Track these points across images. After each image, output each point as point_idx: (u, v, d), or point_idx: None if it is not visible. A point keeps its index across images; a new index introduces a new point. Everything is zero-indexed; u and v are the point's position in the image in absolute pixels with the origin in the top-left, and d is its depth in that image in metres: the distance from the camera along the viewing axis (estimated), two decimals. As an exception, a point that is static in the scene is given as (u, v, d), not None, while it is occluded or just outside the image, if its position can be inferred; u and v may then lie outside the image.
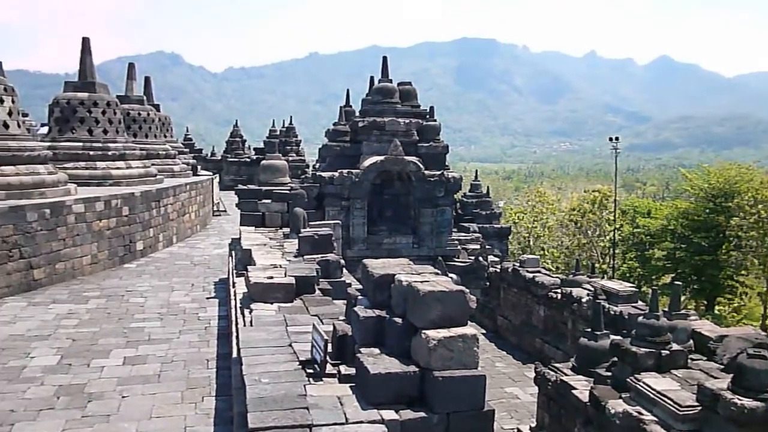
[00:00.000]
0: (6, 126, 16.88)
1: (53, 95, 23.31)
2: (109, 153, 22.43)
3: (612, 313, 12.17)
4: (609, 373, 8.46)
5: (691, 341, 9.00)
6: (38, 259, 15.69)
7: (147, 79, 34.17)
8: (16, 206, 15.12)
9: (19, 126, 17.48)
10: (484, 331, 17.71)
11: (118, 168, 22.35)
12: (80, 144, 22.01)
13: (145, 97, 30.72)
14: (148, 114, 29.24)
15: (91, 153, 21.98)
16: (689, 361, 8.08)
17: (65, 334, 12.21)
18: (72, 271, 16.88)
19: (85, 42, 22.83)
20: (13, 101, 17.29)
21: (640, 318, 8.37)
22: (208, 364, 10.74)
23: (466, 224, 25.10)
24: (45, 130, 26.59)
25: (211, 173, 36.83)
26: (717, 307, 31.09)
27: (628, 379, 7.60)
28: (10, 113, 17.06)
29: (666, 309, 9.81)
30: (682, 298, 26.10)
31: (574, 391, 8.53)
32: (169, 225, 22.78)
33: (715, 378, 7.22)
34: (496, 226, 26.42)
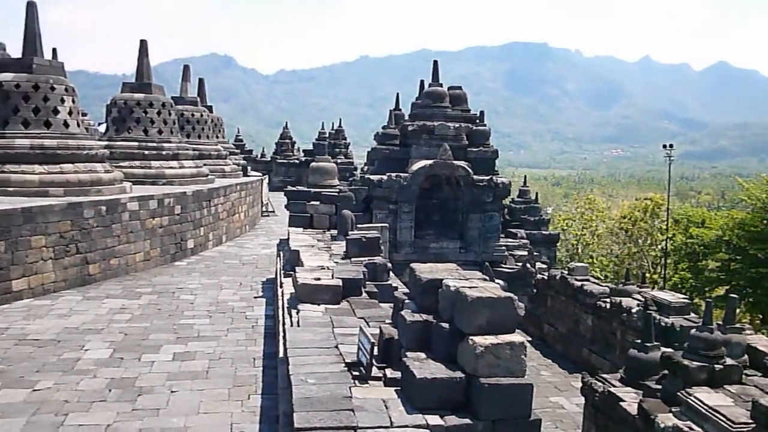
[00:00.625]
0: (66, 125, 17.42)
1: (111, 95, 23.97)
2: (163, 153, 22.94)
3: (663, 324, 11.90)
4: (659, 386, 8.29)
5: (746, 356, 8.76)
6: (93, 254, 16.14)
7: (201, 81, 34.86)
8: (74, 203, 15.61)
9: (78, 125, 18.03)
10: (529, 339, 17.50)
11: (171, 167, 22.83)
12: (136, 143, 22.57)
13: (198, 99, 31.34)
14: (201, 115, 29.81)
15: (146, 152, 22.52)
16: (744, 376, 7.88)
17: (118, 328, 12.53)
18: (125, 267, 17.32)
19: (143, 44, 23.41)
20: (73, 101, 17.84)
21: (693, 331, 8.19)
22: (255, 363, 10.88)
23: (513, 230, 24.88)
24: (102, 128, 27.37)
25: (260, 174, 37.33)
26: (773, 322, 30.07)
27: (678, 393, 7.44)
28: (70, 113, 17.61)
29: (720, 322, 9.55)
30: (737, 311, 25.34)
31: (622, 403, 8.39)
32: (219, 224, 23.18)
33: (771, 395, 7.01)
34: (544, 232, 26.13)
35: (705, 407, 6.95)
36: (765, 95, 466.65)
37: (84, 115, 28.65)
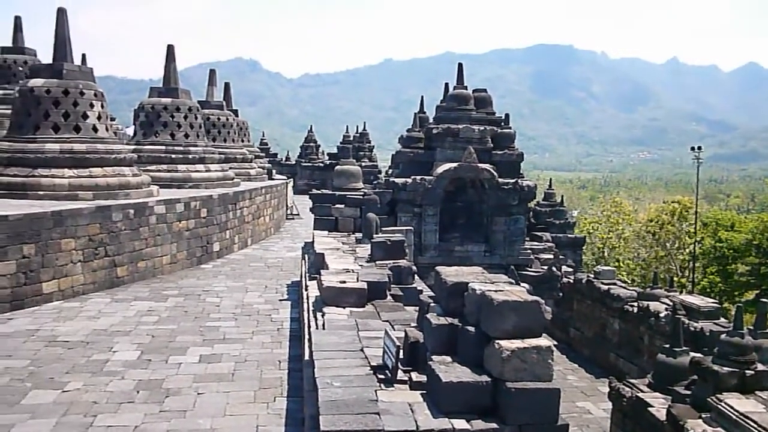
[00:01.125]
0: (95, 130, 17.68)
1: (139, 100, 24.28)
2: (190, 156, 23.18)
3: (692, 329, 11.76)
4: (688, 392, 8.19)
5: (778, 362, 8.60)
6: (122, 257, 16.34)
7: (227, 85, 35.14)
8: (102, 206, 15.82)
9: (107, 130, 18.29)
10: (556, 343, 17.37)
11: (197, 171, 23.06)
12: (163, 147, 22.85)
13: (224, 103, 31.60)
14: (227, 119, 30.06)
15: (173, 156, 22.79)
16: (776, 382, 7.73)
17: (145, 330, 12.67)
18: (152, 269, 17.50)
19: (170, 49, 23.69)
20: (102, 106, 18.10)
21: (724, 336, 8.06)
22: (280, 365, 10.93)
23: (539, 233, 24.69)
24: (130, 131, 27.72)
25: (285, 177, 37.53)
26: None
27: (708, 399, 7.33)
28: (99, 117, 17.87)
29: (751, 327, 9.39)
30: (768, 316, 24.87)
31: (650, 409, 8.29)
32: (244, 227, 23.33)
33: (805, 402, 6.88)
34: (569, 235, 25.89)
35: (736, 413, 6.84)
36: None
37: (112, 119, 29.04)
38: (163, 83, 23.78)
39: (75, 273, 14.94)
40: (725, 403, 7.06)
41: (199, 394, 9.51)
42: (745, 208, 75.64)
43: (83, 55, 26.76)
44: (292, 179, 40.36)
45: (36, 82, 17.34)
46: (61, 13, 17.67)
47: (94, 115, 17.70)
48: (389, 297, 9.88)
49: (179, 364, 10.80)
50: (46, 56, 20.38)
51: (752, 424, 6.60)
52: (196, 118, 23.95)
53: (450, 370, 5.81)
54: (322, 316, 8.74)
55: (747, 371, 7.55)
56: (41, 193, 16.29)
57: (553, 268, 20.47)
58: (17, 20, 26.06)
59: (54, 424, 8.29)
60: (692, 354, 8.93)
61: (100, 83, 19.03)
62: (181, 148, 23.10)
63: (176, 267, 18.50)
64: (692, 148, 42.43)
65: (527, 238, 22.92)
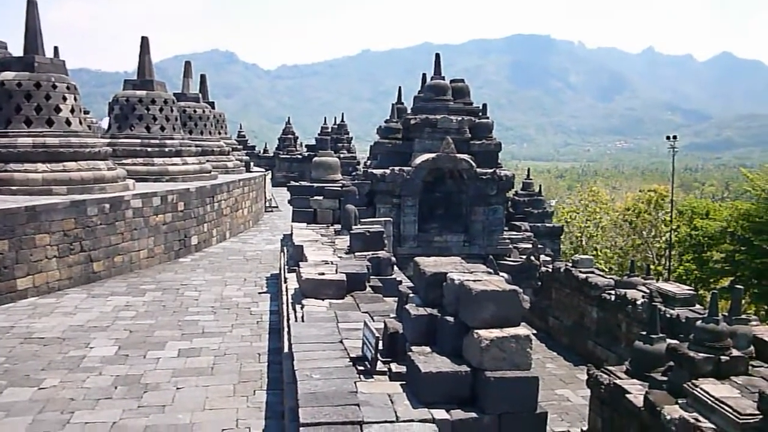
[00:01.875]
0: (69, 123, 17.42)
1: (113, 93, 23.96)
2: (166, 149, 22.94)
3: (668, 316, 11.89)
4: (665, 378, 8.28)
5: (752, 347, 8.73)
6: (98, 252, 16.15)
7: (203, 77, 34.81)
8: (77, 201, 15.60)
9: (81, 123, 18.03)
10: (535, 332, 17.50)
11: (174, 164, 22.83)
12: (138, 140, 22.58)
13: (200, 95, 31.29)
14: (204, 111, 29.78)
15: (149, 149, 22.54)
16: (750, 367, 7.85)
17: (123, 325, 12.54)
18: (129, 264, 17.33)
19: (144, 41, 23.38)
20: (75, 99, 17.83)
21: (699, 322, 8.16)
22: (260, 358, 10.88)
23: (517, 223, 24.83)
24: (105, 123, 27.37)
25: (263, 170, 37.31)
26: (779, 313, 29.95)
27: (685, 385, 7.42)
28: (72, 111, 17.60)
29: (725, 313, 9.52)
30: (743, 302, 25.23)
31: (628, 396, 8.37)
32: (222, 220, 23.18)
33: (778, 386, 6.98)
34: (548, 225, 26.07)
35: (711, 399, 6.93)
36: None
37: (86, 112, 28.67)
38: (138, 75, 23.49)
39: (50, 268, 14.74)
40: (701, 389, 7.15)
41: (178, 388, 9.44)
42: (720, 196, 76.53)
43: (55, 48, 26.37)
44: (270, 171, 40.13)
45: (6, 75, 17.02)
46: (32, 5, 17.34)
47: (67, 109, 17.44)
48: (368, 288, 9.88)
49: (158, 358, 10.71)
50: (16, 49, 20.05)
51: (727, 409, 6.69)
52: (171, 110, 23.71)
53: (429, 361, 5.82)
54: (302, 308, 8.72)
55: (722, 357, 7.65)
56: (14, 188, 16.04)
57: (532, 258, 20.59)
58: (-13, 12, 25.59)
59: (30, 422, 8.19)
60: (669, 341, 9.02)
61: (74, 76, 18.75)
62: (157, 141, 22.86)
63: (154, 261, 18.34)
64: (668, 137, 42.81)
65: (506, 228, 23.04)
